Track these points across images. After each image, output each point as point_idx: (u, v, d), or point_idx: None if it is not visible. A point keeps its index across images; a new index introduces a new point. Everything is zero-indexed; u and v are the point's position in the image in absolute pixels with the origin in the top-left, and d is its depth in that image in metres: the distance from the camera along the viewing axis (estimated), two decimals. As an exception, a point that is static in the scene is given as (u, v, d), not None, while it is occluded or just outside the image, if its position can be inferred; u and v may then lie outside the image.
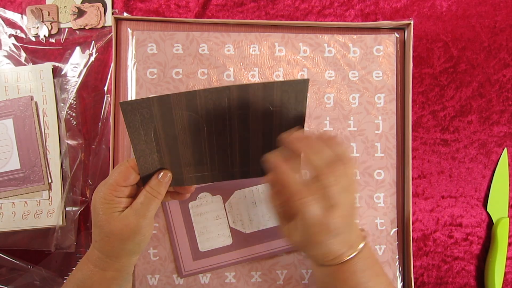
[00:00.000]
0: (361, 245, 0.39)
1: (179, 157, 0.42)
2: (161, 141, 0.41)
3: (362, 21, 0.55)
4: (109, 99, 0.53)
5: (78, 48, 0.55)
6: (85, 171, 0.53)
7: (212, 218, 0.51)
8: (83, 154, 0.53)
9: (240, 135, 0.41)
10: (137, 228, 0.40)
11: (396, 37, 0.53)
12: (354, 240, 0.39)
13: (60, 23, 0.55)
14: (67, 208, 0.53)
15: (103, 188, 0.40)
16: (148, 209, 0.41)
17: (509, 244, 0.54)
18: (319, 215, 0.36)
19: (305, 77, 0.52)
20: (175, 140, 0.41)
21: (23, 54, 0.54)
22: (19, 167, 0.53)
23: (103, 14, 0.55)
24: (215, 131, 0.41)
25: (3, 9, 0.55)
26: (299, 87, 0.39)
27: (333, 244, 0.37)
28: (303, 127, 0.41)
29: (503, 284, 0.53)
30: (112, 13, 0.55)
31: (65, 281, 0.50)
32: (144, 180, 0.42)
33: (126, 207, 0.41)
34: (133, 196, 0.42)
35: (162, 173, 0.42)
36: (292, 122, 0.41)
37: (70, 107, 0.54)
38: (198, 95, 0.38)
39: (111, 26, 0.53)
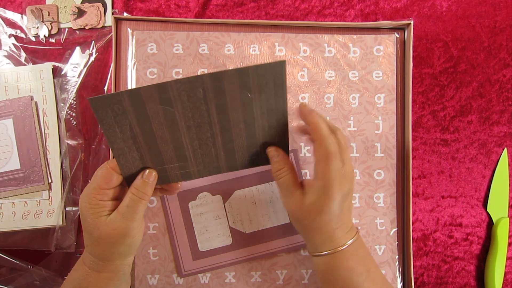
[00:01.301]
0: (353, 239, 0.41)
1: (160, 154, 0.40)
2: (139, 138, 0.39)
3: (362, 21, 0.55)
4: (109, 99, 0.53)
5: (78, 48, 0.55)
6: (85, 171, 0.53)
7: (212, 218, 0.51)
8: (83, 154, 0.53)
9: (220, 126, 0.40)
10: (126, 231, 0.39)
11: (396, 37, 0.53)
12: (350, 227, 0.41)
13: (60, 23, 0.55)
14: (67, 208, 0.53)
15: (87, 192, 0.40)
16: (136, 212, 0.39)
17: (509, 244, 0.54)
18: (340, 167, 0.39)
19: (305, 77, 0.52)
20: (153, 137, 0.39)
21: (23, 54, 0.54)
22: (19, 167, 0.53)
23: (103, 14, 0.55)
24: (193, 124, 0.39)
25: (3, 9, 0.55)
26: (277, 70, 0.37)
27: (332, 222, 0.40)
28: (286, 112, 0.40)
29: (503, 284, 0.53)
30: (112, 13, 0.55)
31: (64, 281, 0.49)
32: (128, 181, 0.41)
33: (113, 210, 0.40)
34: (119, 198, 0.41)
35: (146, 173, 0.41)
36: (274, 109, 0.39)
37: (70, 107, 0.54)
38: (170, 87, 0.36)
39: (111, 26, 0.53)
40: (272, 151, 0.42)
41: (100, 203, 0.39)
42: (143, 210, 0.40)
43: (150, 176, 0.41)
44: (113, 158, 0.40)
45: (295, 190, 0.41)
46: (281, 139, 0.42)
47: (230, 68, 0.37)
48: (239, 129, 0.40)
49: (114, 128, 0.38)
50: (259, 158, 0.43)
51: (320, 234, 0.41)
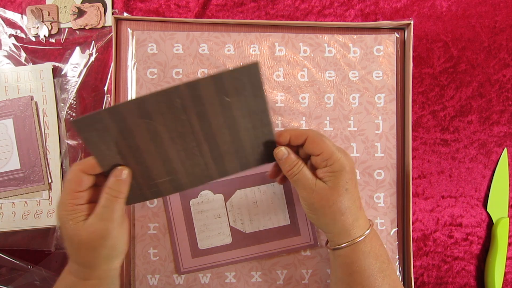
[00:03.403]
0: (368, 231, 0.42)
1: (149, 169, 0.40)
2: (126, 154, 0.39)
3: (362, 21, 0.55)
4: (109, 99, 0.53)
5: (78, 48, 0.55)
6: (85, 171, 0.53)
7: (212, 216, 0.51)
8: (83, 154, 0.53)
9: (204, 134, 0.39)
10: (106, 232, 0.38)
11: (396, 37, 0.53)
12: (365, 219, 0.43)
13: (60, 23, 0.55)
14: (67, 208, 0.53)
15: (61, 200, 0.39)
16: (113, 211, 0.38)
17: (509, 244, 0.54)
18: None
19: (305, 77, 0.52)
20: (139, 151, 0.39)
21: (23, 54, 0.54)
22: (19, 167, 0.52)
23: (103, 14, 0.55)
24: (176, 135, 0.39)
25: (3, 9, 0.55)
26: (251, 71, 0.37)
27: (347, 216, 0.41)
28: (268, 111, 0.39)
29: (503, 284, 0.53)
30: (112, 13, 0.55)
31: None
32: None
33: (90, 214, 0.39)
34: (96, 200, 0.40)
35: (117, 170, 0.39)
36: (255, 109, 0.39)
37: (70, 107, 0.54)
38: (147, 101, 0.36)
39: (111, 26, 0.53)
40: (280, 152, 0.42)
41: (76, 208, 0.38)
42: (121, 209, 0.39)
43: (121, 174, 0.39)
44: (81, 160, 0.40)
45: (313, 180, 0.41)
46: (267, 138, 0.41)
47: (205, 76, 0.38)
48: (223, 134, 0.40)
49: (99, 146, 0.38)
50: (249, 160, 0.43)
51: (350, 215, 0.42)
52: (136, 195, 0.42)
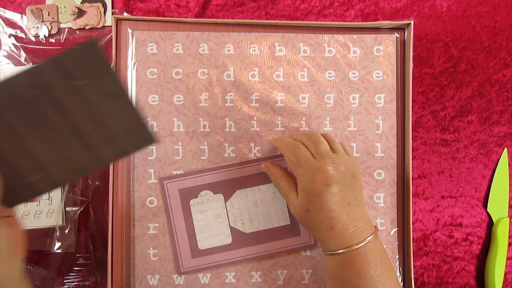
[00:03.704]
0: (370, 237, 0.42)
1: (14, 168, 0.37)
2: None
3: (362, 21, 0.55)
4: (109, 99, 0.53)
5: (78, 48, 0.54)
6: (85, 171, 0.53)
7: (212, 217, 0.51)
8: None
9: (66, 123, 0.37)
10: None
11: (396, 37, 0.53)
12: (364, 226, 0.42)
13: (60, 23, 0.55)
14: (67, 208, 0.53)
15: None
16: None
17: (509, 244, 0.54)
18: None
19: (305, 77, 0.52)
20: None
21: (23, 54, 0.54)
22: (19, 167, 0.52)
23: (103, 14, 0.55)
24: (35, 127, 0.36)
25: (3, 9, 0.55)
26: (91, 50, 0.35)
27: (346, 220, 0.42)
28: (125, 92, 0.37)
29: (503, 284, 0.53)
30: (112, 13, 0.55)
31: (65, 281, 0.49)
32: (7, 201, 0.37)
33: None
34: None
35: None
36: (111, 90, 0.37)
37: (70, 107, 0.54)
38: None
39: (111, 26, 0.53)
40: (264, 167, 0.49)
41: None
42: None
43: None
44: None
45: (291, 193, 0.45)
46: (135, 120, 0.39)
47: (44, 60, 0.35)
48: (87, 121, 0.37)
49: None
50: (125, 146, 0.40)
51: (319, 233, 0.42)
52: (14, 196, 0.39)
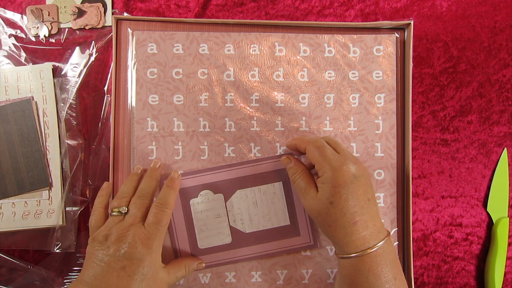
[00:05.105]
0: (386, 238, 0.42)
1: None
2: None
3: (362, 21, 0.55)
4: (109, 99, 0.54)
5: (78, 48, 0.55)
6: (85, 171, 0.53)
7: (212, 216, 0.51)
8: (83, 154, 0.53)
9: None
10: None
11: (396, 37, 0.53)
12: (379, 229, 0.42)
13: (60, 23, 0.55)
14: (67, 208, 0.53)
15: None
16: None
17: (509, 244, 0.54)
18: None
19: (305, 77, 0.52)
20: None
21: (23, 54, 0.54)
22: (19, 167, 0.52)
23: (103, 14, 0.55)
24: None
25: (3, 9, 0.55)
26: (26, 105, 0.50)
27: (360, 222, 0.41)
28: (39, 140, 0.51)
29: (503, 284, 0.53)
30: (112, 13, 0.55)
31: (65, 281, 0.50)
32: None
33: None
34: None
35: None
36: (28, 137, 0.50)
37: (70, 107, 0.54)
38: None
39: (111, 26, 0.53)
40: (284, 160, 0.48)
41: None
42: None
43: None
44: None
45: (310, 189, 0.44)
46: (37, 164, 0.50)
47: None
48: (5, 156, 0.50)
49: None
50: (25, 183, 0.51)
51: (339, 229, 0.41)
52: None
